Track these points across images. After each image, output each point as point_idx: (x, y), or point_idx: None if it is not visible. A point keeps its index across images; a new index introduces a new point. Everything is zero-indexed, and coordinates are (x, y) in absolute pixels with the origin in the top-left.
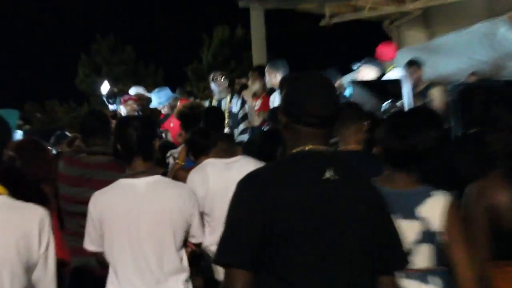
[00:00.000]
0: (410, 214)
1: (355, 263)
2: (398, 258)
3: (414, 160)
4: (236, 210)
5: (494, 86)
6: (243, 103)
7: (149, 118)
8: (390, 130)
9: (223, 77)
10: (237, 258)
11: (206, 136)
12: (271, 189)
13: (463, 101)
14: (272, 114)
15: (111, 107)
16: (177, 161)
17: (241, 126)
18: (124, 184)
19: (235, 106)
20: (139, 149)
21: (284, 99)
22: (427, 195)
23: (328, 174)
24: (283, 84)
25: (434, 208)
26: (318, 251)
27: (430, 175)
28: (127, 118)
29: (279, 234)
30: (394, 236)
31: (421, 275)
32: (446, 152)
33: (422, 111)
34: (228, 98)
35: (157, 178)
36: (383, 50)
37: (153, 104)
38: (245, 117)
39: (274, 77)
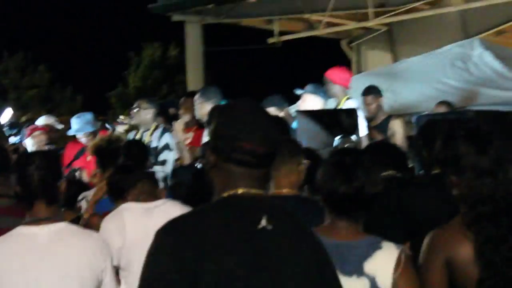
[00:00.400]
0: (355, 270)
1: None
2: None
3: (361, 206)
4: (152, 267)
5: (459, 120)
6: (164, 132)
7: (54, 153)
8: (334, 171)
9: (144, 108)
10: None
11: (131, 172)
12: (197, 239)
13: (424, 137)
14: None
15: (13, 139)
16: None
17: (162, 157)
18: (22, 234)
19: (156, 140)
20: (42, 191)
21: (212, 133)
22: (375, 247)
23: (264, 223)
24: (211, 115)
25: (384, 263)
26: None
27: (383, 222)
28: (27, 154)
29: None
30: None
31: None
32: (403, 196)
33: (377, 147)
34: (151, 130)
35: (63, 226)
36: (334, 75)
37: (70, 131)
38: (165, 147)
39: (203, 108)
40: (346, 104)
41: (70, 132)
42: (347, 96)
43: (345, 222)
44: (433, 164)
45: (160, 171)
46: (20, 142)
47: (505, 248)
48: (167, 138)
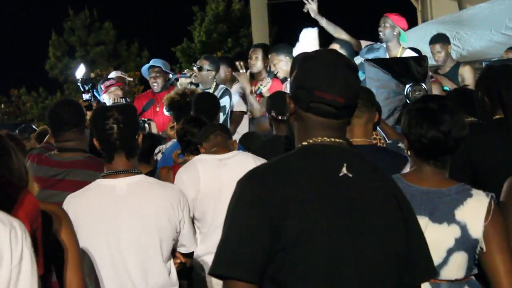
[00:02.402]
0: (446, 218)
1: (379, 275)
2: (426, 269)
3: (448, 150)
4: (238, 214)
5: None
6: (224, 94)
7: (131, 107)
8: (420, 116)
9: (206, 69)
10: (240, 269)
11: (201, 126)
12: (279, 188)
13: (486, 83)
14: (273, 101)
15: (85, 96)
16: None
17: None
18: (101, 186)
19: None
20: (121, 144)
21: (293, 82)
22: (466, 195)
23: (345, 171)
24: (294, 65)
25: (475, 211)
26: (336, 262)
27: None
28: (105, 108)
29: (288, 241)
30: (420, 244)
31: (451, 286)
32: (468, 145)
33: (458, 94)
34: (212, 90)
35: (140, 178)
36: (396, 18)
37: (144, 67)
38: (221, 109)
39: (276, 65)
40: (405, 54)
41: (145, 67)
42: (401, 47)
43: (432, 167)
44: (495, 110)
45: None
46: (94, 97)
47: None
48: (225, 101)
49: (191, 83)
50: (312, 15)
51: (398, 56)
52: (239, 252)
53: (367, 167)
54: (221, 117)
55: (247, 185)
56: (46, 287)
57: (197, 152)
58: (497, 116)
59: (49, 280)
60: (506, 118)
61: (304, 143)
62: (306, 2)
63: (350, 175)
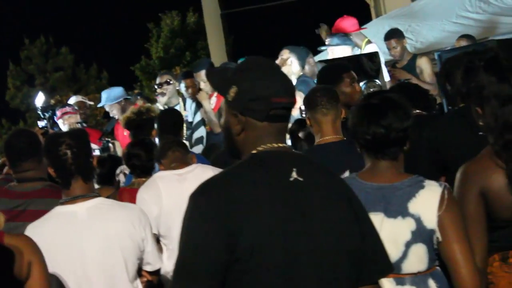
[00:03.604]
0: (399, 211)
1: (336, 274)
2: (382, 265)
3: (393, 143)
4: (193, 227)
5: (477, 51)
6: (198, 107)
7: (83, 132)
8: (361, 113)
9: (170, 81)
10: (198, 283)
11: (146, 148)
12: (232, 199)
13: (446, 72)
14: None
15: (41, 123)
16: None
17: (197, 133)
18: (61, 213)
19: (190, 114)
20: (77, 169)
21: (240, 97)
22: (418, 187)
23: (295, 175)
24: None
25: (428, 202)
26: (292, 265)
27: (416, 160)
28: (57, 135)
29: (245, 250)
30: (374, 241)
31: (415, 279)
32: (431, 132)
33: (400, 88)
34: (181, 104)
35: (99, 201)
36: (343, 25)
37: (99, 104)
38: (200, 123)
39: (293, 66)
40: (367, 49)
41: (99, 104)
42: (366, 39)
43: (384, 162)
44: (456, 99)
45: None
46: (49, 125)
47: None
48: (201, 115)
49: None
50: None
51: (363, 47)
52: (196, 265)
53: (316, 169)
54: (203, 130)
55: (200, 198)
56: None
57: (144, 175)
58: (461, 105)
59: None
60: (465, 106)
61: (254, 151)
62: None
63: (301, 179)
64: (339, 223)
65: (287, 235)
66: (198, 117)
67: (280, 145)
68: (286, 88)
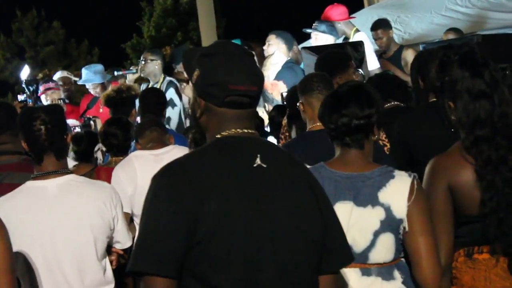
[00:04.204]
0: (369, 200)
1: (297, 262)
2: (342, 255)
3: (356, 131)
4: (154, 209)
5: (453, 46)
6: (168, 86)
7: (58, 108)
8: (327, 102)
9: (150, 60)
10: (157, 264)
11: (122, 127)
12: (195, 182)
13: (419, 65)
14: None
15: (21, 97)
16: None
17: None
18: (32, 187)
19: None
20: (50, 145)
21: (201, 81)
22: (388, 176)
23: (259, 161)
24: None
25: (398, 191)
26: (253, 250)
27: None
28: (32, 109)
29: (206, 233)
30: (336, 230)
31: (381, 270)
32: (403, 125)
33: (378, 79)
34: (160, 82)
35: (71, 177)
36: (332, 13)
37: (79, 81)
38: (169, 103)
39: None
40: (355, 37)
41: (79, 82)
42: (355, 28)
43: (351, 151)
44: (429, 93)
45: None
46: (33, 100)
47: (505, 169)
48: (171, 93)
49: (140, 78)
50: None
51: (351, 36)
52: (156, 247)
53: (280, 157)
54: (170, 110)
55: (162, 180)
56: None
57: (120, 154)
58: (433, 100)
59: None
60: (437, 101)
61: (218, 136)
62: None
63: (264, 166)
64: (300, 211)
65: (248, 220)
66: (167, 97)
67: (246, 131)
68: (248, 75)
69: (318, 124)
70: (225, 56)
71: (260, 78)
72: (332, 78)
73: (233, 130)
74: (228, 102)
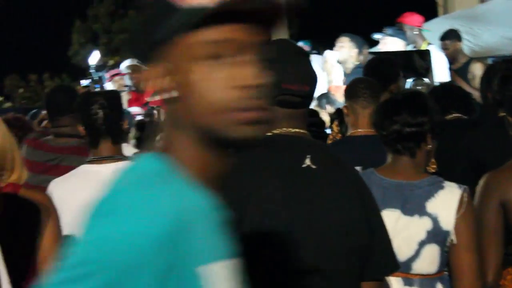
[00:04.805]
0: (417, 210)
1: (339, 267)
2: (388, 262)
3: (406, 138)
4: None
5: None
6: None
7: (116, 93)
8: (383, 109)
9: None
10: None
11: None
12: (242, 178)
13: (486, 79)
14: None
15: (84, 82)
16: None
17: None
18: (87, 171)
19: None
20: (107, 130)
21: None
22: (438, 187)
23: (308, 162)
24: None
25: (447, 203)
26: (295, 252)
27: (446, 164)
28: (91, 94)
29: (250, 229)
30: (382, 237)
31: (424, 281)
32: (467, 139)
33: (442, 90)
34: None
35: (126, 164)
36: (409, 18)
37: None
38: None
39: (351, 52)
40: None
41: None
42: (427, 42)
43: (402, 159)
44: (494, 107)
45: None
46: (100, 85)
47: None
48: None
49: None
50: None
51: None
52: None
53: (330, 159)
54: None
55: None
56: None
57: None
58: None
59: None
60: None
61: (269, 133)
62: None
63: (314, 167)
64: (346, 216)
65: (291, 221)
66: None
67: (297, 130)
68: (302, 75)
69: (359, 130)
70: (279, 55)
71: (313, 78)
72: (386, 87)
73: (284, 128)
74: (280, 100)
